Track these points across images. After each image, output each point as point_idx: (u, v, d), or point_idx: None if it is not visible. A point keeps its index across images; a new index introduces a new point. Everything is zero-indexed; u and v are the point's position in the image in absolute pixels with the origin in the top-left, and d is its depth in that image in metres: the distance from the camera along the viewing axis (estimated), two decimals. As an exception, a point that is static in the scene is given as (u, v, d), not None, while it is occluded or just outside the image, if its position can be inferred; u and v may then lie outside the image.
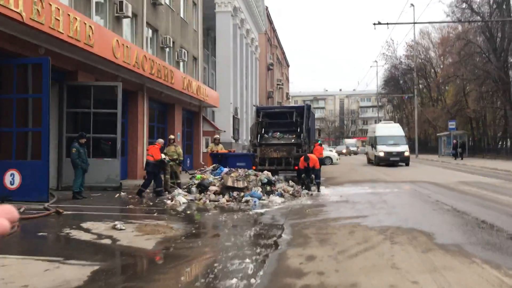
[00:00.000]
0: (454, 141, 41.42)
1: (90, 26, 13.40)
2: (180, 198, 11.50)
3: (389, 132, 31.48)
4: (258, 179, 12.80)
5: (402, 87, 71.52)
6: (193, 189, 12.51)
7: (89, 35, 13.34)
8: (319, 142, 20.07)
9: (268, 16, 57.15)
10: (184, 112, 25.78)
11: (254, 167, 17.38)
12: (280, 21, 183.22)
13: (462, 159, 36.70)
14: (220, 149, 16.41)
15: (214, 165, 13.70)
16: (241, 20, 39.52)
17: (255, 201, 11.40)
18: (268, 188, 12.53)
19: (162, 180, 12.79)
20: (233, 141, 36.67)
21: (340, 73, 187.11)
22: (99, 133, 14.95)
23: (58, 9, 11.85)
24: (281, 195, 12.39)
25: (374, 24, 21.59)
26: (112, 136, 14.74)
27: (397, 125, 35.51)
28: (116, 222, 7.66)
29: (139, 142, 19.25)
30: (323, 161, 34.55)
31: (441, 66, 61.58)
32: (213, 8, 34.31)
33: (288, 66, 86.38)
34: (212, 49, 38.80)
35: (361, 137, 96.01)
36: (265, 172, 13.43)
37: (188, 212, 9.77)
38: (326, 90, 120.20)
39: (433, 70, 64.86)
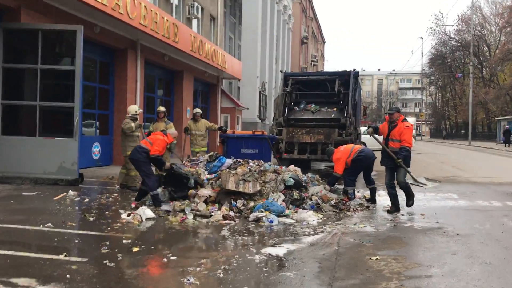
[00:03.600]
0: (507, 126, 37.15)
1: None
2: (144, 210, 6.70)
3: None
4: (280, 179, 7.85)
5: (451, 65, 64.56)
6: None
7: None
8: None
9: (304, -17, 51.34)
10: (197, 83, 20.97)
11: (278, 156, 12.53)
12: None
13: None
14: (203, 127, 11.08)
15: (211, 153, 8.79)
16: (272, -19, 34.14)
17: (271, 221, 6.49)
18: (296, 194, 7.58)
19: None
20: (259, 121, 31.74)
21: (379, 52, 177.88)
22: (51, 100, 10.31)
23: None
24: (318, 208, 7.44)
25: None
26: (67, 104, 10.04)
27: None
28: None
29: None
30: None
31: (499, 39, 54.39)
32: (240, -35, 29.12)
33: (323, 42, 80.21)
34: (239, 17, 33.72)
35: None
36: (292, 167, 8.44)
37: (136, 248, 4.96)
38: (364, 70, 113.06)
39: (486, 47, 57.75)
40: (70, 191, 8.57)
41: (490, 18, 57.33)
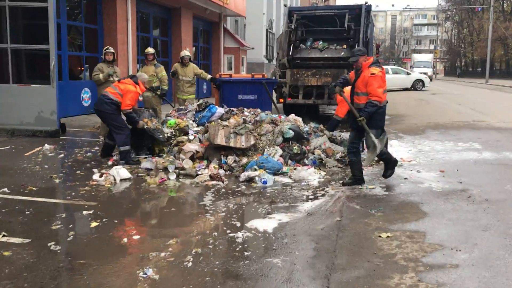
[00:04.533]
0: None
1: None
2: (119, 170, 5.80)
3: None
4: (278, 131, 6.86)
5: (469, -1, 61.01)
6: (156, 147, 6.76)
7: None
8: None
9: None
10: (197, 21, 19.54)
11: (281, 100, 11.54)
12: None
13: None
14: (191, 72, 9.48)
15: (200, 102, 7.74)
16: None
17: (264, 182, 5.58)
18: (296, 148, 6.62)
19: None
20: (266, 61, 30.31)
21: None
22: (24, 42, 9.27)
23: None
24: (320, 164, 6.50)
25: None
26: (41, 47, 8.97)
27: None
28: None
29: (121, 59, 13.43)
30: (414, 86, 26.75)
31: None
32: None
33: (335, -25, 76.03)
34: None
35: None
36: (292, 117, 7.39)
37: (96, 222, 4.11)
38: (377, 6, 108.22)
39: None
40: (46, 145, 7.71)
41: None
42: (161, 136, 6.61)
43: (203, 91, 19.65)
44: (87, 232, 3.94)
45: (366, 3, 12.12)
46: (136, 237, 3.81)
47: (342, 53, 11.52)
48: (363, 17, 11.81)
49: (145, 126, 6.53)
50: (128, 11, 13.66)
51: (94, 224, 4.10)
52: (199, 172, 5.96)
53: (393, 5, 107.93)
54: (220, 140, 6.31)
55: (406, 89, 25.26)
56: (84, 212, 4.41)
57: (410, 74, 27.73)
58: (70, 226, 4.06)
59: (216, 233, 3.88)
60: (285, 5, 13.81)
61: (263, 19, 29.98)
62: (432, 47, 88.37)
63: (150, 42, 16.23)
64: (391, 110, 13.06)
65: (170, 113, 7.73)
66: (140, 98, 7.48)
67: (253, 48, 26.13)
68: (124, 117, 6.60)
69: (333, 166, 6.47)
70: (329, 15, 12.45)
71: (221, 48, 22.37)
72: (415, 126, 10.68)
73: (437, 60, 75.17)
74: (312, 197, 5.03)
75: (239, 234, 3.84)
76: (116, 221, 4.24)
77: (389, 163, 5.69)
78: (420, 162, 6.72)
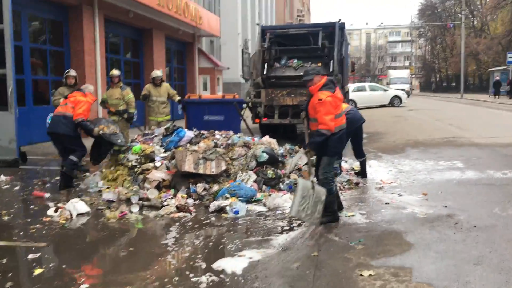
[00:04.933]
0: (497, 77, 35.86)
1: None
2: (75, 204, 5.28)
3: None
4: (251, 155, 6.44)
5: (441, 16, 62.39)
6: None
7: None
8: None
9: None
10: (170, 42, 19.18)
11: (257, 120, 11.23)
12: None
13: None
14: (165, 92, 9.11)
15: (167, 125, 7.29)
16: None
17: (236, 212, 5.14)
18: (271, 172, 6.20)
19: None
20: (243, 81, 30.03)
21: (366, 4, 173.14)
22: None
23: None
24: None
25: None
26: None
27: None
28: None
29: (89, 82, 12.90)
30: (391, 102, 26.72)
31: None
32: None
33: (310, -5, 77.12)
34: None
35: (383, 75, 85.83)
36: (266, 139, 6.98)
37: (41, 269, 3.60)
38: (351, 25, 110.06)
39: (478, -5, 55.48)
40: (1, 176, 7.14)
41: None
42: (119, 140, 6.41)
43: (178, 111, 19.19)
44: (28, 283, 3.43)
45: (339, 20, 11.95)
46: (84, 286, 3.31)
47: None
48: (337, 35, 11.59)
49: (101, 132, 6.22)
50: (95, 33, 13.19)
51: (38, 271, 3.58)
52: (165, 203, 5.48)
53: (367, 23, 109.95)
54: (188, 167, 5.85)
55: (383, 106, 25.23)
56: (30, 256, 3.89)
57: (387, 90, 27.83)
58: (9, 275, 3.52)
59: (177, 278, 3.41)
60: (257, 24, 13.52)
61: (238, 39, 29.84)
62: (407, 63, 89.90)
63: (121, 64, 15.75)
64: (369, 128, 12.81)
65: (136, 138, 7.24)
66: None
67: (228, 68, 25.87)
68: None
69: (310, 191, 6.06)
70: (303, 33, 12.22)
71: (196, 69, 22.03)
72: (394, 144, 10.41)
73: (413, 76, 76.37)
74: (287, 227, 4.60)
75: (203, 279, 3.38)
76: (64, 266, 3.73)
77: (329, 207, 4.75)
78: (401, 184, 6.36)
